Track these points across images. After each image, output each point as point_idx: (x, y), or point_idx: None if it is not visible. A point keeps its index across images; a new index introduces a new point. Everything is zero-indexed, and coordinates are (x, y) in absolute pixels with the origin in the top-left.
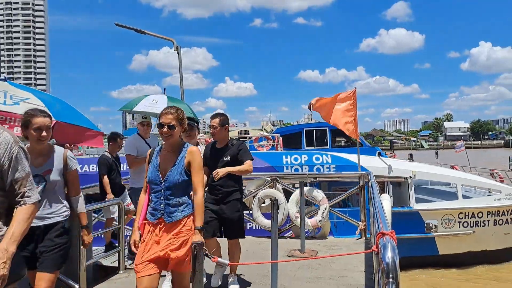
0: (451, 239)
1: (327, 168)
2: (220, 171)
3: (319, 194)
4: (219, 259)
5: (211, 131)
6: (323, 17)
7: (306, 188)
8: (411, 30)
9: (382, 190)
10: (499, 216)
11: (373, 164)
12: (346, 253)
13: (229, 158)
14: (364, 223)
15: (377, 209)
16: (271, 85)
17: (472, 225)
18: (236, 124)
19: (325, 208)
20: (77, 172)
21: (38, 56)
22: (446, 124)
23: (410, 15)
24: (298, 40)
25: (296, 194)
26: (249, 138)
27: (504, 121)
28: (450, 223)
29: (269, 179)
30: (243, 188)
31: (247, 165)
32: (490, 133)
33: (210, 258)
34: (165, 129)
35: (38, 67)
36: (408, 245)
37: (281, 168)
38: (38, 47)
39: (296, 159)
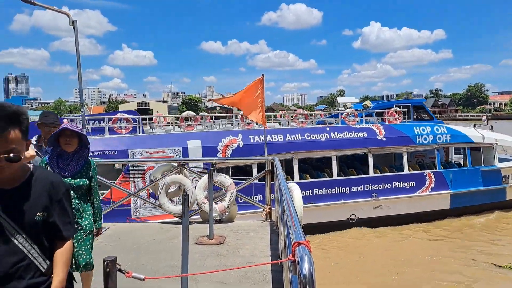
0: None
1: (445, 138)
2: None
3: (227, 179)
4: (134, 273)
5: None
6: None
7: (214, 174)
8: (311, 6)
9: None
10: None
11: (473, 133)
12: (258, 262)
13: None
14: (269, 206)
15: (289, 206)
16: (172, 55)
17: None
18: (135, 95)
19: (232, 194)
20: None
21: None
22: (339, 100)
23: None
24: (201, 10)
25: (204, 179)
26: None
27: (387, 97)
28: None
29: (176, 164)
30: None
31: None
32: None
33: (124, 273)
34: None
35: None
36: (490, 194)
37: (414, 137)
38: None
39: (423, 130)
